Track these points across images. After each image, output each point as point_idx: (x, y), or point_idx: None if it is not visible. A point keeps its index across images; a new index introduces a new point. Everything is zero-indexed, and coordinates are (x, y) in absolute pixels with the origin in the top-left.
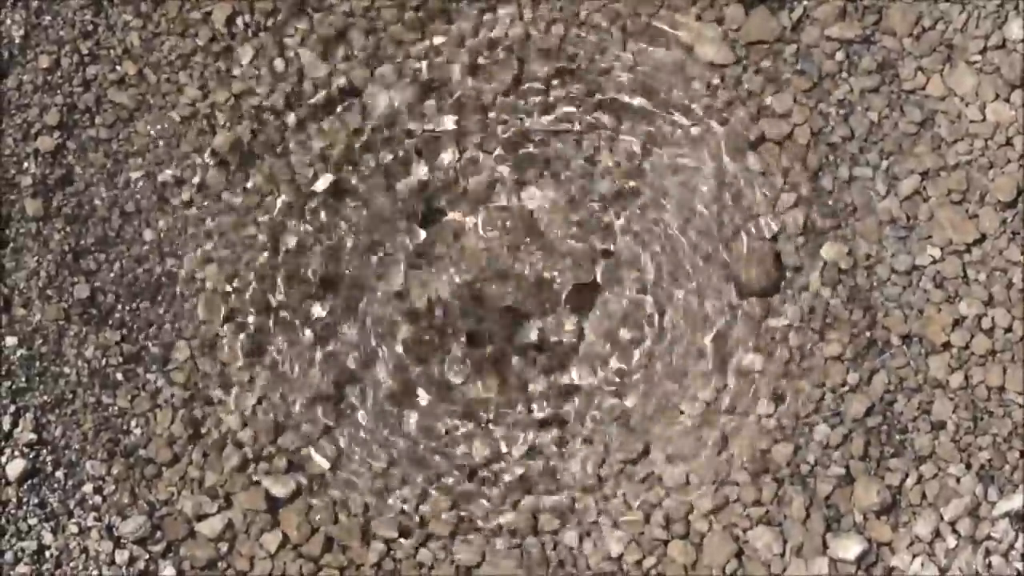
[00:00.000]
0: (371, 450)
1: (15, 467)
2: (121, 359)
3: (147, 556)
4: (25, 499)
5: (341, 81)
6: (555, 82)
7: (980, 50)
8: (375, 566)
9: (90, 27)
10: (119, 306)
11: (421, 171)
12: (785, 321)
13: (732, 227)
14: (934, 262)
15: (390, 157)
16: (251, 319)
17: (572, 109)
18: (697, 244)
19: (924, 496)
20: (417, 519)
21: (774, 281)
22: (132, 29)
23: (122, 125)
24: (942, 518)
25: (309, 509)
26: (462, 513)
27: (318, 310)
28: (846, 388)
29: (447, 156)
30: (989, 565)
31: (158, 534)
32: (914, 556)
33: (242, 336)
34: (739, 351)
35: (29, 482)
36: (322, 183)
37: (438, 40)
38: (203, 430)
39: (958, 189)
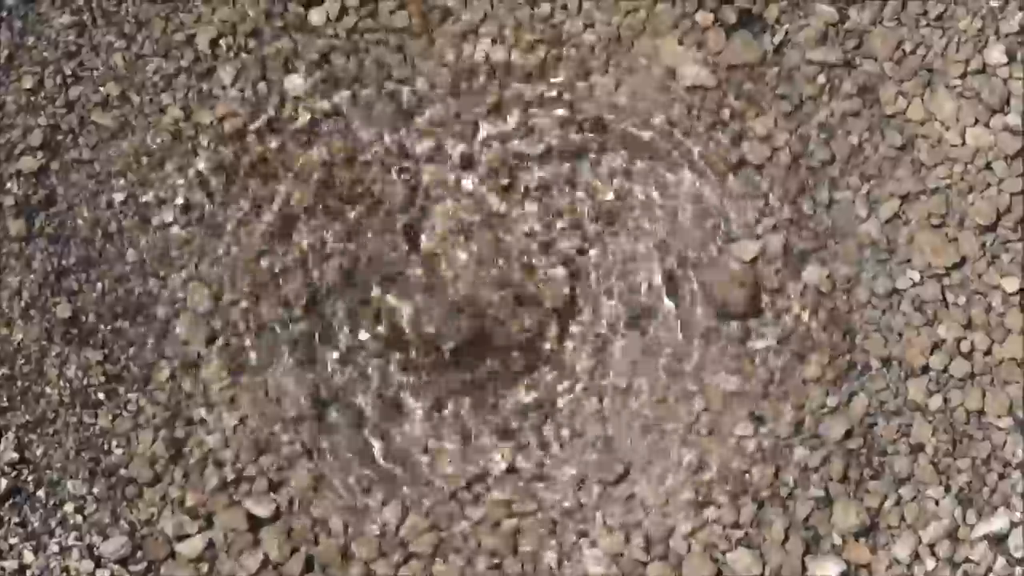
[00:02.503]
0: (352, 470)
1: None
2: (103, 379)
3: None
4: (6, 518)
5: (323, 104)
6: (536, 106)
7: (960, 75)
8: None
9: (74, 48)
10: (101, 326)
11: (403, 194)
12: (765, 343)
13: (712, 249)
14: (914, 285)
15: (372, 180)
16: (233, 339)
17: (554, 131)
18: (677, 266)
19: (903, 518)
20: (397, 539)
21: (754, 304)
22: (116, 50)
23: (105, 146)
24: (921, 540)
25: (290, 529)
26: (442, 534)
27: (300, 331)
28: (825, 410)
29: (428, 179)
30: None
31: (139, 554)
32: None
33: (224, 356)
34: (719, 373)
35: (10, 501)
36: (304, 205)
37: (420, 63)
38: (184, 450)
39: (938, 213)
